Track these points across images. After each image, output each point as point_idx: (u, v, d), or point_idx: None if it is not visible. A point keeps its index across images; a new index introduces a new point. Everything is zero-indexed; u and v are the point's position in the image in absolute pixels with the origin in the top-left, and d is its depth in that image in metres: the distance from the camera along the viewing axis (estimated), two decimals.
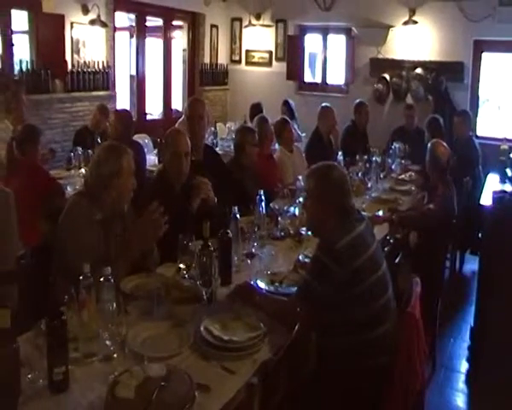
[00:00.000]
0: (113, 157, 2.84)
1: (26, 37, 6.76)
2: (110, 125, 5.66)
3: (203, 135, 4.39)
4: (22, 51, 6.69)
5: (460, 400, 3.74)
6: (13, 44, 6.42)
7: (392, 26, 8.55)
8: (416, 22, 8.25)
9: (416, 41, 8.35)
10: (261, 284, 2.76)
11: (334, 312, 2.47)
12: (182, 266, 2.70)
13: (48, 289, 2.75)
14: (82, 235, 2.69)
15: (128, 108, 8.84)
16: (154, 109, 9.27)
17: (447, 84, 8.08)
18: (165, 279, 2.77)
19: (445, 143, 4.51)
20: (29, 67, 6.36)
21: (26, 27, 6.73)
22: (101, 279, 2.15)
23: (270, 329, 2.35)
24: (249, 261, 3.03)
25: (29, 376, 1.92)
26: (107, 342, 2.08)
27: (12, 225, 4.14)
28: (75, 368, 2.03)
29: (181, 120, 7.56)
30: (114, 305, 2.11)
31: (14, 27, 6.55)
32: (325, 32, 9.35)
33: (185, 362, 2.12)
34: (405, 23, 8.32)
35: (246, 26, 9.80)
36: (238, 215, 3.09)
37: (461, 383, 3.91)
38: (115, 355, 2.11)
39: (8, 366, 1.67)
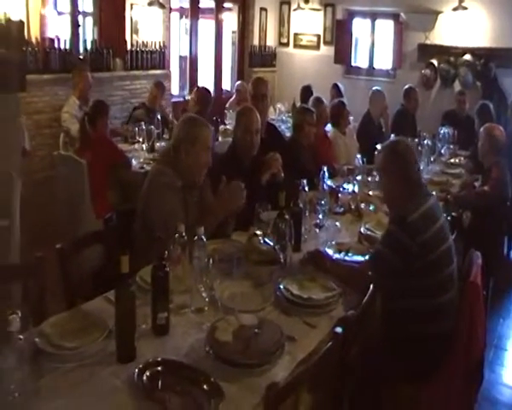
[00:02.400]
0: (189, 126, 3.07)
1: (90, 18, 7.06)
2: (190, 100, 5.95)
3: (266, 113, 4.57)
4: (86, 32, 6.99)
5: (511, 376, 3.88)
6: (79, 25, 6.71)
7: (440, 12, 8.53)
8: (465, 8, 8.21)
9: (465, 27, 8.31)
10: (330, 252, 2.96)
11: (404, 279, 2.63)
12: (258, 232, 2.89)
13: (132, 249, 3.01)
14: (167, 200, 2.91)
15: (177, 87, 9.10)
16: None
17: (496, 71, 8.05)
18: (240, 245, 2.98)
19: (500, 127, 4.60)
20: (92, 46, 6.62)
21: (90, 9, 7.02)
22: (195, 238, 2.36)
23: (344, 290, 2.56)
24: (317, 230, 3.22)
25: None
26: (203, 294, 2.29)
27: (85, 193, 4.44)
28: (171, 317, 2.24)
29: (232, 99, 7.79)
30: (211, 261, 2.32)
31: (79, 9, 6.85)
32: (373, 16, 9.39)
33: (270, 316, 2.33)
34: (455, 9, 8.28)
35: (294, 10, 9.87)
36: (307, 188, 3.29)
37: (511, 361, 4.04)
38: (206, 308, 2.34)
39: (129, 306, 1.90)
